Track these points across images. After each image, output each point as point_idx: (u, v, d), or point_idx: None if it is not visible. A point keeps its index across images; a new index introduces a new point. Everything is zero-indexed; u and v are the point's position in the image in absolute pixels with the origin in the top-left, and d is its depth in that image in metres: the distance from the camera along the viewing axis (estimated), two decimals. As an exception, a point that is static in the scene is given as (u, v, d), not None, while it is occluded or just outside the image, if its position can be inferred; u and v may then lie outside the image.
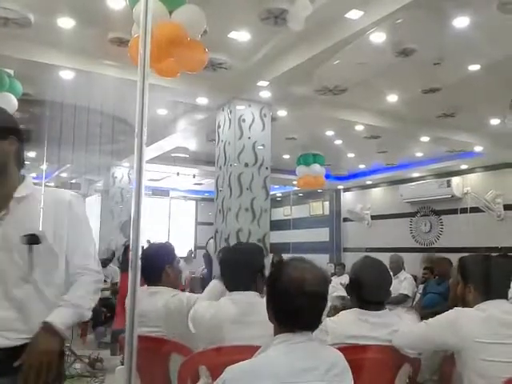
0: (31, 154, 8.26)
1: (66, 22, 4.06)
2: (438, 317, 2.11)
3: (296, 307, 1.45)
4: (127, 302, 1.43)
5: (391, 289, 6.06)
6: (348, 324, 2.13)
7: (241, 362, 1.43)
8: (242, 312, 2.09)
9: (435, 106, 6.18)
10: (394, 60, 4.70)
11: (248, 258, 2.31)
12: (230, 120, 5.68)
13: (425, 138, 7.47)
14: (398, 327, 2.15)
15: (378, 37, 4.19)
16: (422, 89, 5.61)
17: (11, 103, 4.66)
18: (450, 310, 2.10)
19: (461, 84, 5.33)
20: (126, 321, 2.69)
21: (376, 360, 2.05)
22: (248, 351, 1.82)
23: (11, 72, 4.75)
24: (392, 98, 5.90)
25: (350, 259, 10.49)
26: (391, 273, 6.57)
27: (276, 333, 1.49)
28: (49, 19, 4.01)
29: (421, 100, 5.89)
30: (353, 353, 1.60)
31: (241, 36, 4.39)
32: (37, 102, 5.80)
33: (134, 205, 1.41)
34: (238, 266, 2.25)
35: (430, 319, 2.14)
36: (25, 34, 4.20)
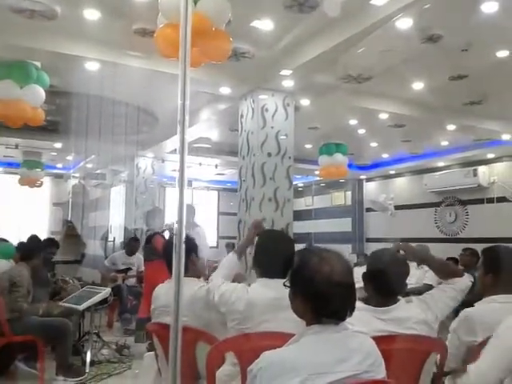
0: (57, 145, 8.43)
1: (91, 14, 4.09)
2: (492, 342, 1.89)
3: (327, 296, 1.46)
4: (168, 288, 1.46)
5: (416, 279, 6.02)
6: (363, 323, 2.04)
7: (276, 350, 1.45)
8: (276, 296, 2.12)
9: (462, 93, 6.06)
10: (420, 47, 4.61)
11: (284, 246, 2.34)
12: (252, 110, 5.68)
13: (451, 127, 7.33)
14: (420, 317, 2.13)
15: (404, 23, 4.10)
16: (448, 76, 5.50)
17: (39, 95, 4.77)
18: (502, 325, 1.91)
19: (489, 71, 5.21)
20: (150, 309, 2.74)
21: (403, 350, 2.04)
22: (276, 337, 1.85)
23: (38, 64, 4.85)
24: (418, 85, 5.80)
25: (374, 249, 10.39)
26: (415, 263, 6.56)
27: (308, 323, 1.50)
28: (75, 11, 4.05)
29: (447, 87, 5.77)
30: (380, 343, 1.60)
31: (264, 25, 4.36)
32: (63, 93, 5.89)
33: (178, 194, 1.45)
34: (275, 256, 2.27)
35: (487, 346, 1.91)
36: (51, 26, 4.25)
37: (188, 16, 1.41)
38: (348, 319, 1.51)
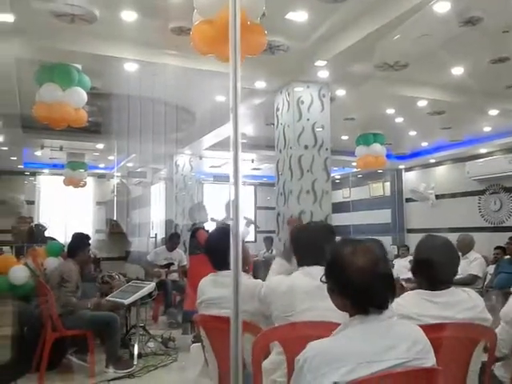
0: (99, 146, 8.67)
1: (128, 15, 4.19)
2: None
3: (364, 291, 1.46)
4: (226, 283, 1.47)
5: (460, 270, 5.93)
6: (413, 305, 2.09)
7: (322, 340, 1.46)
8: (317, 284, 2.13)
9: (504, 76, 5.83)
10: (459, 30, 4.48)
11: (321, 234, 2.35)
12: (288, 102, 5.67)
13: (493, 112, 7.09)
14: (470, 304, 2.10)
15: (442, 6, 4.00)
16: (489, 59, 5.32)
17: (81, 97, 4.92)
18: None
19: (532, 51, 5.02)
20: (195, 302, 2.78)
21: (453, 338, 2.01)
22: (321, 327, 1.85)
23: (79, 67, 5.00)
24: (457, 70, 5.64)
25: (415, 240, 10.19)
26: (459, 253, 6.42)
27: (351, 314, 1.50)
28: (113, 13, 4.16)
29: (488, 71, 5.59)
30: (430, 331, 1.58)
31: (298, 16, 4.34)
32: (103, 94, 6.05)
33: (233, 189, 1.47)
34: (312, 242, 2.29)
35: None
36: (91, 29, 4.37)
37: (236, 9, 1.42)
38: (400, 301, 1.50)
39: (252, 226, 5.71)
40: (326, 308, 1.97)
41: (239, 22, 1.42)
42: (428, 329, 1.61)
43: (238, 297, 1.48)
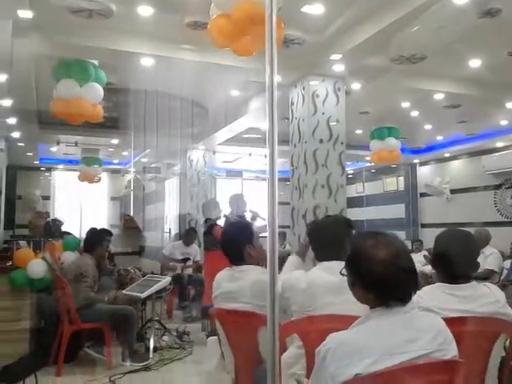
0: (114, 141, 8.74)
1: (145, 10, 4.21)
2: None
3: (387, 284, 1.45)
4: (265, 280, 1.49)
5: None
6: (433, 298, 2.07)
7: (344, 332, 1.45)
8: (336, 279, 2.12)
9: (523, 69, 5.76)
10: (477, 22, 4.41)
11: (340, 228, 2.33)
12: (303, 96, 5.65)
13: (511, 105, 6.99)
14: (492, 298, 2.08)
15: (460, -2, 3.96)
16: (508, 51, 5.25)
17: (98, 92, 4.95)
18: None
19: (552, 43, 4.93)
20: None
21: (473, 332, 1.99)
22: (340, 320, 1.85)
23: (96, 62, 5.03)
24: (475, 62, 5.56)
25: (429, 235, 10.11)
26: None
27: (372, 306, 1.49)
28: (129, 8, 4.18)
29: (507, 63, 5.50)
30: (450, 325, 1.57)
31: (314, 9, 4.31)
32: (119, 90, 6.09)
33: (270, 188, 1.46)
34: (331, 237, 2.28)
35: None
36: (107, 23, 4.40)
37: (273, 2, 1.40)
38: (420, 294, 1.49)
39: (259, 220, 5.71)
40: (345, 302, 1.96)
41: (275, 16, 1.41)
42: (448, 322, 1.60)
43: (274, 290, 1.48)
